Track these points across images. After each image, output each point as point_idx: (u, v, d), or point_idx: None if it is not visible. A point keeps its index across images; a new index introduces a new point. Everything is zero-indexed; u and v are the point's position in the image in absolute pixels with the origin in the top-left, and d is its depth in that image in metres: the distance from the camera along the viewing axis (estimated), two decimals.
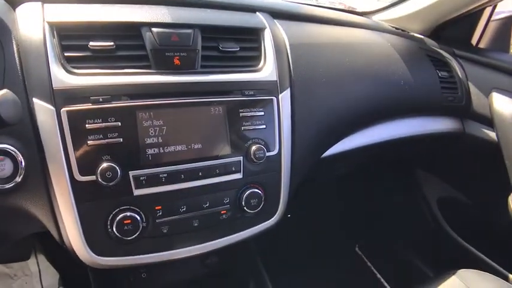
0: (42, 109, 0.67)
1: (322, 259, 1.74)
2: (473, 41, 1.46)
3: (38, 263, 1.47)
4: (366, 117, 1.09)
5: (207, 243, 0.81)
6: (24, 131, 0.66)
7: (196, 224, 0.77)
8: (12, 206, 0.68)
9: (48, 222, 0.72)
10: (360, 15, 1.47)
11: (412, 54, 1.26)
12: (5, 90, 0.56)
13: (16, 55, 0.68)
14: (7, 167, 0.65)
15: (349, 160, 1.24)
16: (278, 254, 1.52)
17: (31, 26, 0.70)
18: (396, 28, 1.40)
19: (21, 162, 0.66)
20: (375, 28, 1.29)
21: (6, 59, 0.67)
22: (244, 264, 1.21)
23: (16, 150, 0.65)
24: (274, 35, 0.90)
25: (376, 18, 1.48)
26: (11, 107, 0.55)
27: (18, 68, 0.67)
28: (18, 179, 0.66)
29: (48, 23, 0.71)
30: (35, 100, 0.67)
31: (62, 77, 0.68)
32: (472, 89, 1.29)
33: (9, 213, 0.69)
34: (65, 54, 0.70)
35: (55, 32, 0.71)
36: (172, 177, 0.74)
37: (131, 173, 0.71)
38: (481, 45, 1.47)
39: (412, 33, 1.41)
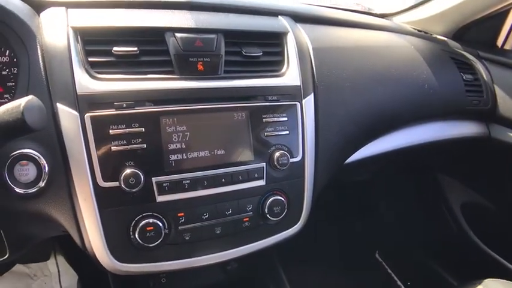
0: (66, 114, 0.67)
1: (342, 265, 1.71)
2: (499, 43, 1.42)
3: (57, 264, 1.48)
4: (389, 122, 1.07)
5: (229, 251, 0.79)
6: (48, 136, 0.67)
7: (218, 232, 0.76)
8: (35, 211, 0.68)
9: (70, 228, 0.71)
10: (380, 17, 1.45)
11: (436, 56, 1.23)
12: (30, 96, 0.55)
13: (40, 60, 0.68)
14: (31, 171, 0.66)
15: (371, 165, 1.21)
16: (298, 260, 1.50)
17: (55, 31, 0.71)
18: (418, 30, 1.36)
19: (45, 167, 0.66)
20: (396, 30, 1.26)
21: (30, 64, 0.68)
22: (264, 270, 1.19)
23: (40, 155, 0.65)
24: (297, 39, 0.89)
25: (397, 20, 1.45)
26: (37, 113, 0.55)
27: (43, 73, 0.68)
28: (42, 184, 0.66)
29: (73, 28, 0.71)
30: (59, 105, 0.67)
31: (85, 83, 0.68)
32: (498, 92, 1.25)
33: (31, 217, 0.69)
34: (89, 59, 0.70)
35: (79, 37, 0.71)
36: (195, 184, 0.73)
37: (154, 179, 0.70)
38: (507, 47, 1.42)
39: (434, 35, 1.38)
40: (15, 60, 0.69)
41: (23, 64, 0.68)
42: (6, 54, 0.69)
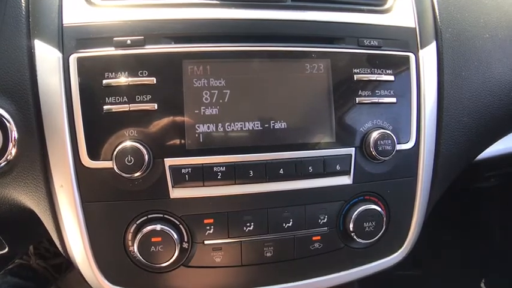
0: (45, 54, 0.47)
1: None
2: None
3: None
4: None
5: (285, 286, 0.51)
6: (21, 88, 0.47)
7: (269, 254, 0.50)
8: (4, 196, 0.50)
9: (47, 224, 0.50)
10: None
11: None
12: None
13: None
14: None
15: (506, 168, 0.82)
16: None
17: None
18: None
19: (14, 133, 0.46)
20: None
21: None
22: None
23: (8, 116, 0.46)
24: None
25: None
26: None
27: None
28: (10, 156, 0.47)
29: None
30: (37, 43, 0.48)
31: (77, 9, 0.48)
32: None
33: (4, 205, 0.51)
34: None
35: None
36: (235, 173, 0.48)
37: (167, 162, 0.47)
38: None
39: None
40: None
41: None
42: None
